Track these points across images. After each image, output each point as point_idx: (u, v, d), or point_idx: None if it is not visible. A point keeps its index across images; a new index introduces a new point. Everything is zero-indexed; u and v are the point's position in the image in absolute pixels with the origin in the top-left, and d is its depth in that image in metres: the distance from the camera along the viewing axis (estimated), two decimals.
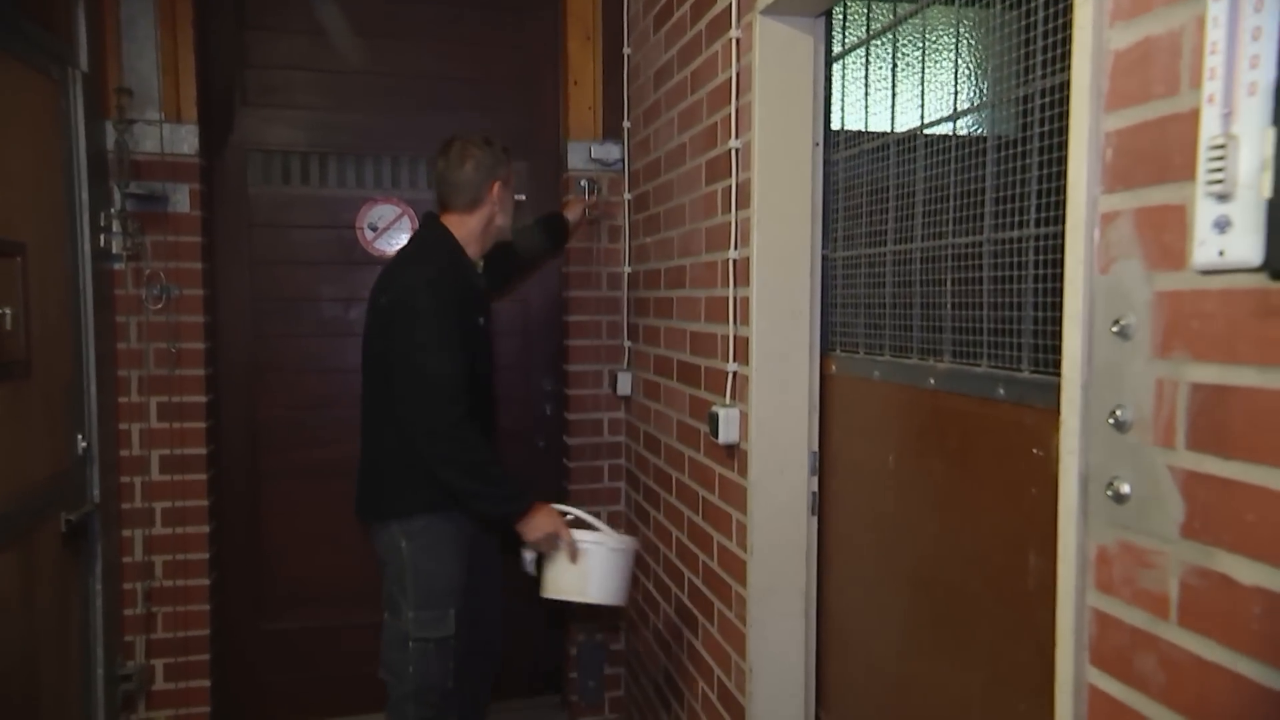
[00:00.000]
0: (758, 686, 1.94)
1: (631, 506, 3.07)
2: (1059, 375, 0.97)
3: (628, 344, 3.05)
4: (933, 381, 1.49)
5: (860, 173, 1.77)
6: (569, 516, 2.30)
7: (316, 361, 3.03)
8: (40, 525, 2.18)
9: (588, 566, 2.23)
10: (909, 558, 1.59)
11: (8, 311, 1.92)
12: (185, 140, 2.74)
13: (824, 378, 1.92)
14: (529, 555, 2.28)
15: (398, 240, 3.05)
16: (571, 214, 2.90)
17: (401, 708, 2.30)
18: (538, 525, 2.22)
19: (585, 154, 3.03)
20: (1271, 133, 0.67)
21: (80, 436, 2.43)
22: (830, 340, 1.91)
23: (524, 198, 3.17)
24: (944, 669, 1.49)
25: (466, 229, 2.38)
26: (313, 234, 3.02)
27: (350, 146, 3.02)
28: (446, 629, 2.27)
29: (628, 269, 3.03)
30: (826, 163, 1.88)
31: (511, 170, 2.45)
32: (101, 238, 2.56)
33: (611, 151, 3.02)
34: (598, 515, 3.13)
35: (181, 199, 2.75)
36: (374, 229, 3.04)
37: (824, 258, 1.91)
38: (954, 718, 1.46)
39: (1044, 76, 1.23)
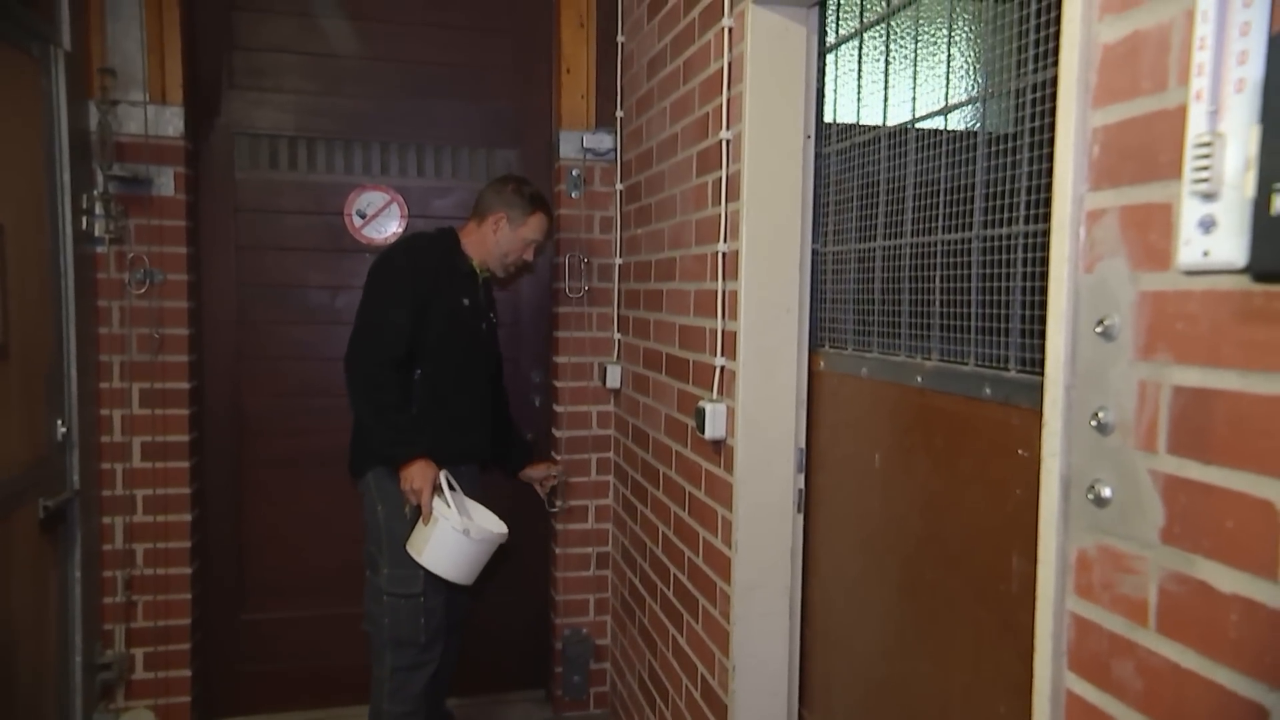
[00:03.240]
0: (741, 684, 1.93)
1: (619, 501, 3.05)
2: (1044, 377, 0.95)
3: (618, 336, 3.02)
4: (920, 379, 1.47)
5: (851, 166, 1.75)
6: (454, 492, 2.44)
7: (302, 350, 3.01)
8: (17, 511, 2.16)
9: (431, 533, 2.35)
10: (894, 557, 1.57)
11: None
12: (170, 122, 2.71)
13: (812, 374, 1.90)
14: (410, 505, 2.42)
15: (386, 227, 3.02)
16: (534, 472, 2.97)
17: (381, 656, 2.51)
18: (410, 476, 2.37)
19: (578, 143, 3.01)
20: (1256, 131, 0.65)
21: (60, 422, 2.40)
22: (819, 336, 1.89)
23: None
24: (926, 669, 1.47)
25: (468, 231, 2.62)
26: (300, 220, 2.98)
27: (339, 132, 2.99)
28: (415, 587, 2.43)
29: (618, 260, 3.01)
30: (818, 156, 1.86)
31: (526, 223, 2.57)
32: (83, 220, 2.53)
33: (604, 141, 3.00)
34: (585, 509, 3.14)
35: (166, 182, 2.72)
36: (362, 216, 3.01)
37: (814, 252, 1.89)
38: (935, 717, 1.44)
39: (1036, 71, 1.21)
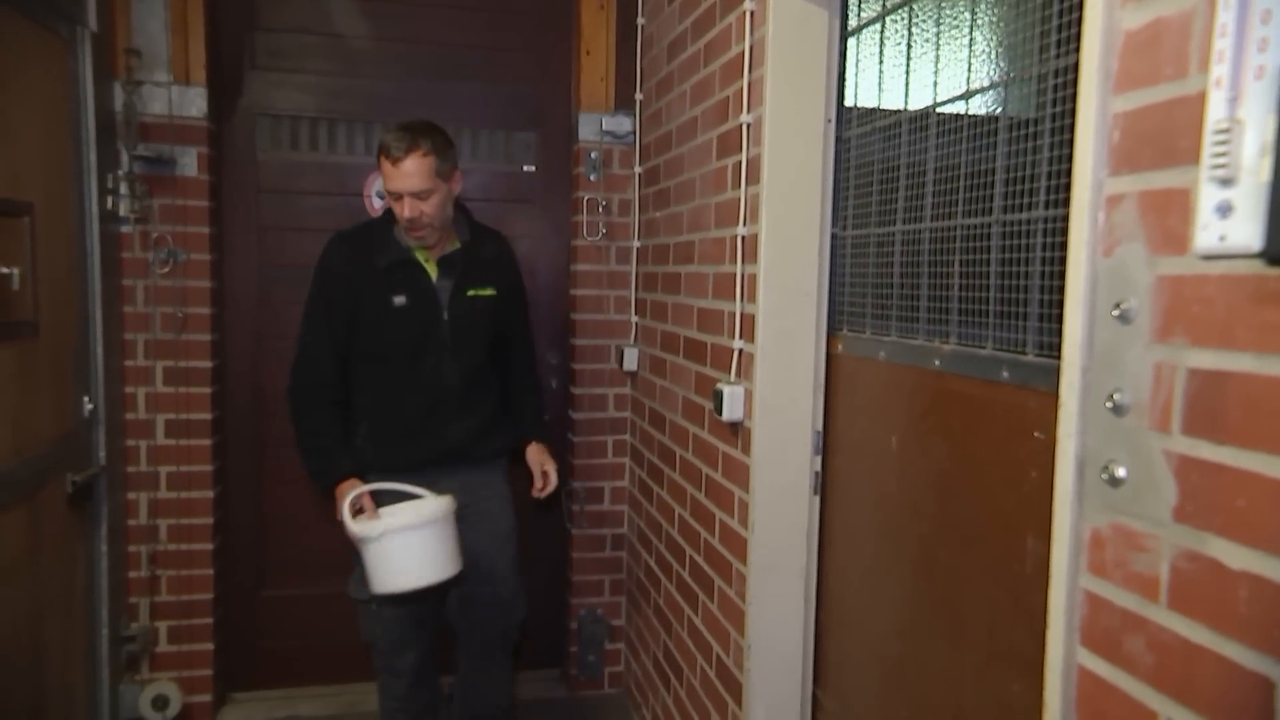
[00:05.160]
0: (756, 664, 1.96)
1: (635, 483, 3.08)
2: (1061, 359, 0.96)
3: (635, 319, 3.04)
4: (938, 363, 1.49)
5: (872, 151, 1.76)
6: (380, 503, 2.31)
7: None
8: (46, 486, 2.20)
9: (362, 558, 2.29)
10: (909, 539, 1.59)
11: (15, 271, 1.93)
12: (194, 103, 2.73)
13: (830, 357, 1.91)
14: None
15: None
16: (530, 459, 2.66)
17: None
18: (337, 505, 2.33)
19: (596, 125, 3.02)
20: (1274, 118, 0.66)
21: (86, 398, 2.45)
22: (837, 319, 1.90)
23: (534, 168, 3.16)
24: (940, 649, 1.49)
25: None
26: (320, 201, 3.01)
27: (359, 113, 3.01)
28: (364, 593, 2.37)
29: (636, 243, 3.03)
30: (838, 140, 1.87)
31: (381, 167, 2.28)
32: (109, 200, 2.57)
33: (623, 123, 3.01)
34: (600, 491, 3.17)
35: (189, 162, 2.75)
36: (381, 197, 3.04)
37: (833, 236, 1.90)
38: (949, 697, 1.47)
39: (1058, 56, 1.22)
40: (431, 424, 2.43)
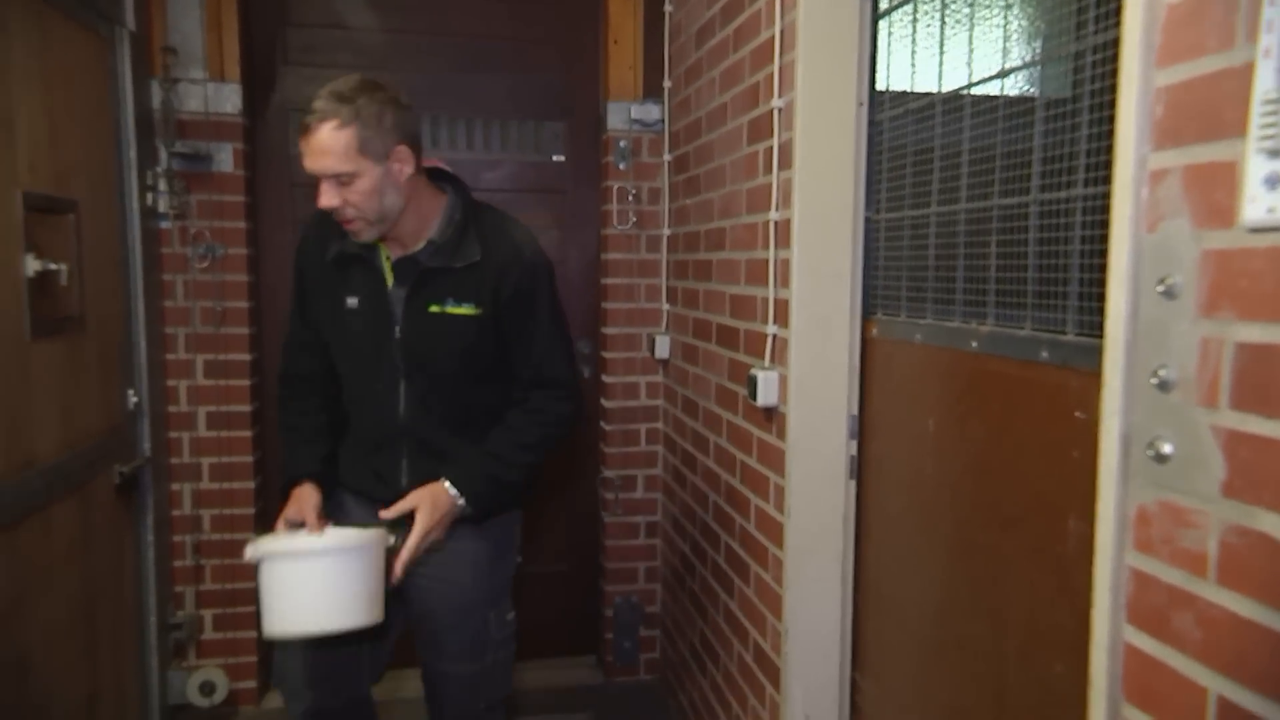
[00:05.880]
0: (794, 647, 1.96)
1: (669, 471, 3.09)
2: (1103, 338, 0.96)
3: (666, 307, 3.05)
4: (975, 345, 1.48)
5: (906, 133, 1.75)
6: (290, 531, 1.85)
7: None
8: (96, 477, 2.26)
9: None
10: (948, 522, 1.59)
11: (63, 267, 1.97)
12: (229, 99, 2.77)
13: (865, 341, 1.91)
14: None
15: None
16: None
17: None
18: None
19: (625, 114, 3.02)
20: None
21: (131, 391, 2.50)
22: (871, 303, 1.90)
23: (563, 158, 3.17)
24: (981, 631, 1.49)
25: None
26: None
27: None
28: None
29: (667, 231, 3.03)
30: (871, 123, 1.86)
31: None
32: (149, 196, 2.61)
33: (651, 112, 3.01)
34: (634, 479, 3.18)
35: (225, 158, 2.79)
36: None
37: (867, 219, 1.89)
38: (990, 678, 1.47)
39: (1095, 32, 1.21)
40: (379, 462, 1.91)
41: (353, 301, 1.86)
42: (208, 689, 2.83)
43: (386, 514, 1.81)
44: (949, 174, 1.59)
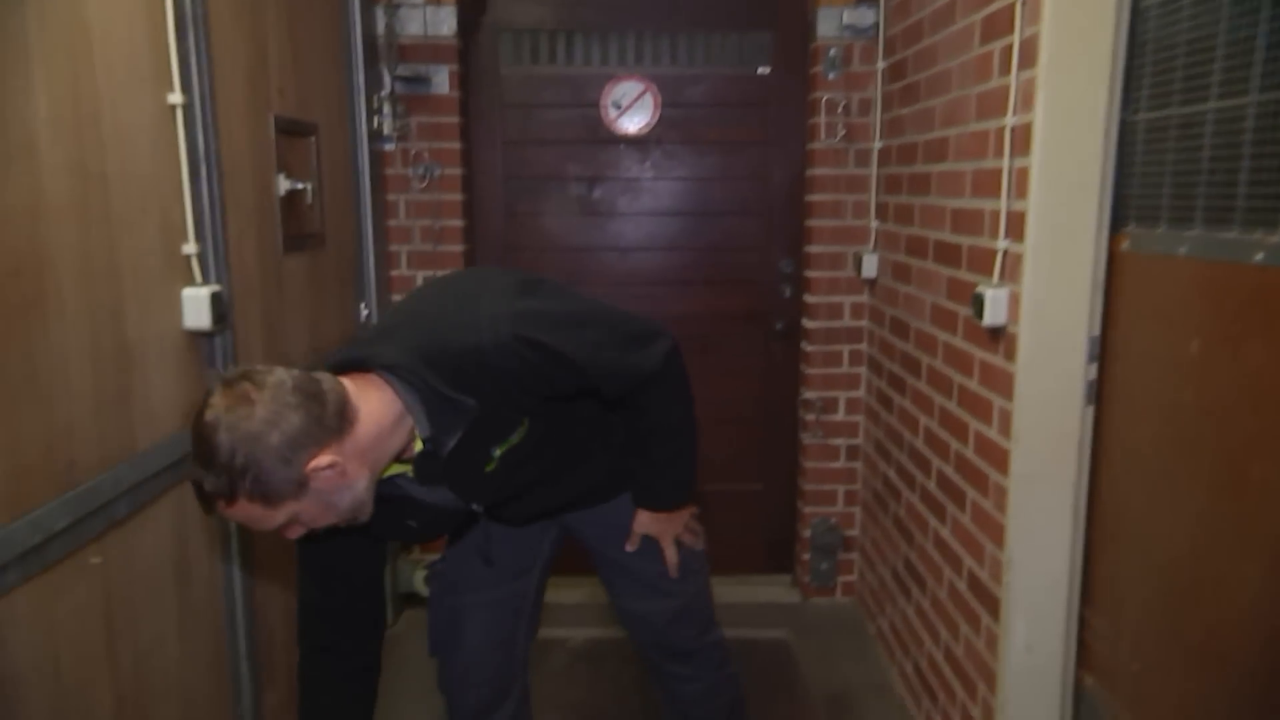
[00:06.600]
0: (1016, 578, 1.88)
1: (873, 393, 3.00)
2: None
3: (875, 224, 2.92)
4: (1261, 256, 1.32)
5: (1180, 19, 1.56)
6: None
7: (562, 240, 3.13)
8: None
9: None
10: (1210, 452, 1.45)
11: (308, 186, 2.11)
12: (445, 22, 2.84)
13: (1112, 256, 1.75)
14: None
15: (639, 118, 3.05)
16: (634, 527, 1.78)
17: None
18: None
19: (837, 20, 2.87)
20: None
21: (363, 305, 2.66)
22: (1123, 214, 1.73)
23: (768, 70, 3.07)
24: (1249, 572, 1.37)
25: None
26: (559, 113, 3.07)
27: (595, 23, 3.02)
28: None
29: (878, 144, 2.89)
30: (1135, 10, 1.67)
31: None
32: (374, 119, 2.74)
33: (866, 16, 2.84)
34: (835, 401, 3.11)
35: (442, 80, 2.88)
36: (617, 107, 3.05)
37: (1122, 121, 1.71)
38: (1258, 622, 1.34)
39: None
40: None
41: (414, 523, 1.57)
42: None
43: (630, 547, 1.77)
44: (1234, 62, 1.40)
